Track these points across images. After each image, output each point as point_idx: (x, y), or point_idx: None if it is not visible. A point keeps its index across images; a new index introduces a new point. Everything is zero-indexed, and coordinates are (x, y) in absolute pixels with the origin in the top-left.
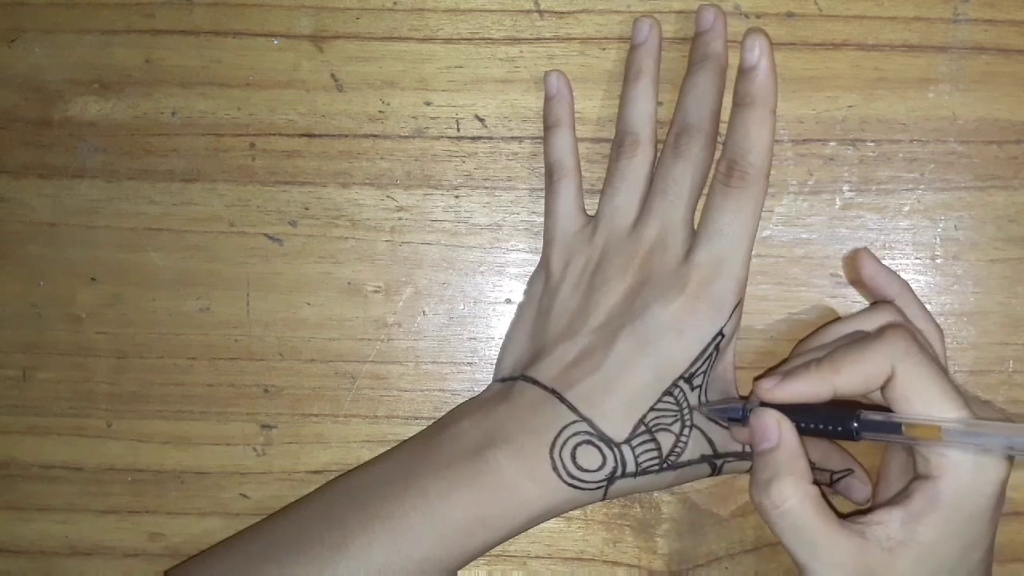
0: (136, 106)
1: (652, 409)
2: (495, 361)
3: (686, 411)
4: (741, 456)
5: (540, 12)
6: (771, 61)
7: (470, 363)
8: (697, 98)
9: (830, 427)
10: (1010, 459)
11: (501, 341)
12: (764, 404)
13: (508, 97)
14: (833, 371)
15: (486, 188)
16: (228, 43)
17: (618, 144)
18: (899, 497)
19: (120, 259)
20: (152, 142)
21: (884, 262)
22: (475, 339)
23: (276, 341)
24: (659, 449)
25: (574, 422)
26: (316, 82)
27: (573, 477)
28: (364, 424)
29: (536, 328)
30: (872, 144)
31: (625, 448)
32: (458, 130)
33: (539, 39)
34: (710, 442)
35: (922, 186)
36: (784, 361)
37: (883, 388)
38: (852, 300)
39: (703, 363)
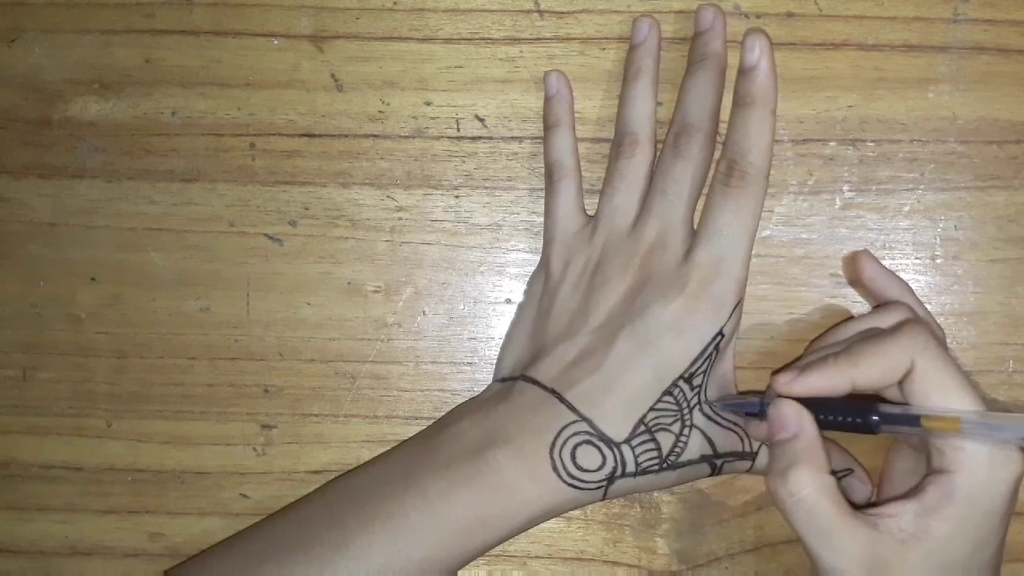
0: (136, 106)
1: (652, 409)
2: (495, 361)
3: (686, 411)
4: (741, 456)
5: (540, 12)
6: (771, 61)
7: (470, 363)
8: (697, 98)
9: (849, 420)
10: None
11: (501, 341)
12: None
13: (508, 97)
14: (852, 364)
15: (486, 188)
16: (228, 43)
17: (617, 144)
18: (913, 490)
19: (120, 259)
20: (152, 142)
21: (884, 262)
22: (475, 339)
23: (276, 341)
24: (659, 449)
25: (574, 422)
26: (316, 82)
27: (573, 477)
28: (364, 424)
29: (536, 328)
30: (872, 144)
31: (625, 448)
32: (458, 130)
33: (539, 39)
34: (710, 442)
35: (922, 186)
36: (798, 358)
37: (901, 382)
38: (852, 300)
39: (703, 363)
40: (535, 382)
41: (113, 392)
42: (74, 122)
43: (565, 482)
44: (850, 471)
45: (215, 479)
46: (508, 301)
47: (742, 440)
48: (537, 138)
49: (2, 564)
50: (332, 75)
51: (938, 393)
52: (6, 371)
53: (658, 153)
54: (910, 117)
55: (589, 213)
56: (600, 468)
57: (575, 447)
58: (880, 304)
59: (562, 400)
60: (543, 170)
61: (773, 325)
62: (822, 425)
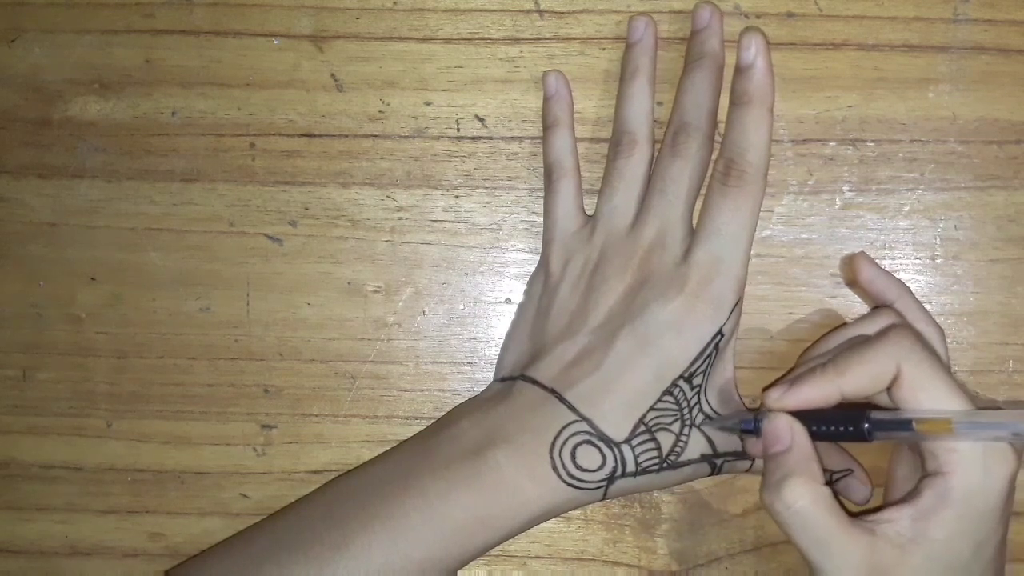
0: (136, 106)
1: (652, 409)
2: (495, 361)
3: (686, 411)
4: (740, 455)
5: (540, 12)
6: (768, 59)
7: (470, 363)
8: (694, 97)
9: (842, 429)
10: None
11: (501, 341)
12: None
13: (508, 97)
14: (839, 374)
15: (486, 188)
16: (228, 43)
17: (615, 143)
18: (909, 495)
19: (120, 259)
20: (152, 142)
21: (884, 262)
22: (475, 339)
23: (276, 341)
24: (659, 449)
25: (574, 422)
26: (316, 82)
27: (573, 477)
28: (364, 424)
29: (536, 328)
30: (872, 144)
31: (625, 448)
32: (458, 130)
33: (539, 39)
34: (710, 441)
35: (922, 186)
36: (790, 370)
37: (889, 388)
38: (852, 300)
39: (703, 362)
40: (535, 382)
41: (113, 392)
42: (74, 122)
43: (565, 482)
44: (849, 471)
45: (215, 479)
46: (508, 301)
47: (742, 439)
48: (537, 138)
49: (2, 564)
50: (332, 75)
51: (926, 396)
52: (6, 371)
53: (656, 152)
54: (910, 117)
55: (589, 212)
56: (600, 468)
57: (575, 447)
58: (871, 309)
59: (562, 400)
60: (543, 170)
61: (773, 325)
62: (816, 436)
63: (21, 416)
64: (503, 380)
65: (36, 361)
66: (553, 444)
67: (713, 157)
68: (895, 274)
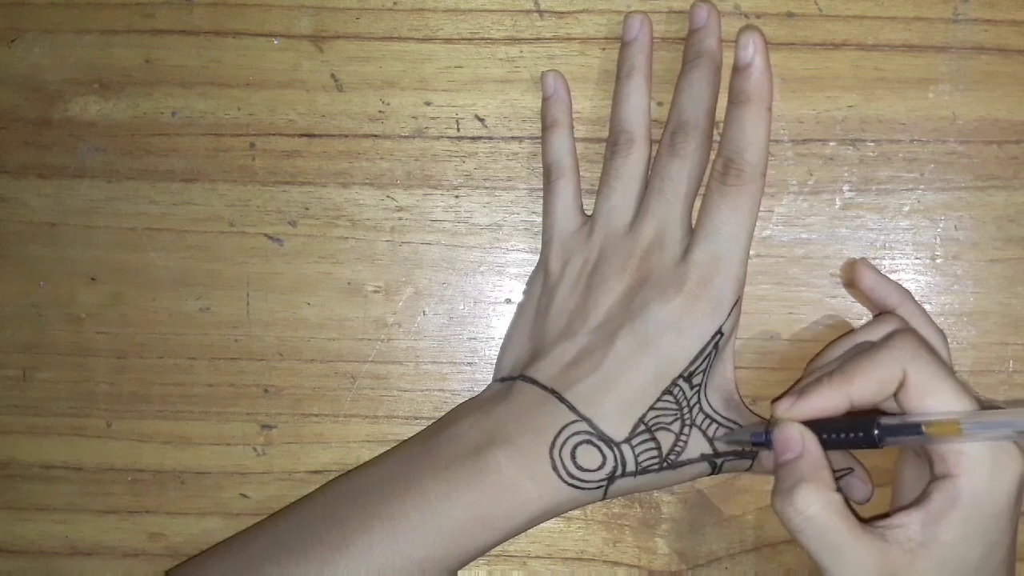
0: (136, 106)
1: (652, 408)
2: (495, 361)
3: (685, 410)
4: (741, 455)
5: (540, 12)
6: (766, 58)
7: (470, 363)
8: (692, 96)
9: (852, 436)
10: None
11: (501, 341)
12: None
13: (508, 97)
14: (846, 382)
15: (486, 188)
16: (228, 43)
17: (612, 143)
18: (918, 500)
19: (120, 259)
20: (152, 142)
21: (884, 262)
22: (475, 339)
23: (276, 341)
24: (659, 448)
25: (574, 422)
26: (316, 82)
27: (573, 477)
28: (364, 424)
29: (535, 328)
30: (872, 144)
31: (625, 447)
32: (458, 130)
33: (539, 39)
34: (710, 441)
35: (922, 186)
36: (797, 381)
37: (896, 394)
38: (852, 300)
39: (702, 362)
40: (534, 382)
41: (113, 392)
42: (74, 122)
43: (565, 482)
44: (850, 470)
45: (215, 479)
46: (508, 301)
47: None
48: (537, 138)
49: (2, 564)
50: (332, 75)
51: (932, 399)
52: (6, 371)
53: (655, 152)
54: (910, 117)
55: (589, 212)
56: (600, 468)
57: (575, 447)
58: (874, 316)
59: (562, 400)
60: (541, 170)
61: (773, 325)
62: (826, 445)
63: (21, 416)
64: (503, 380)
65: (36, 361)
66: (553, 444)
67: (712, 156)
68: (895, 275)
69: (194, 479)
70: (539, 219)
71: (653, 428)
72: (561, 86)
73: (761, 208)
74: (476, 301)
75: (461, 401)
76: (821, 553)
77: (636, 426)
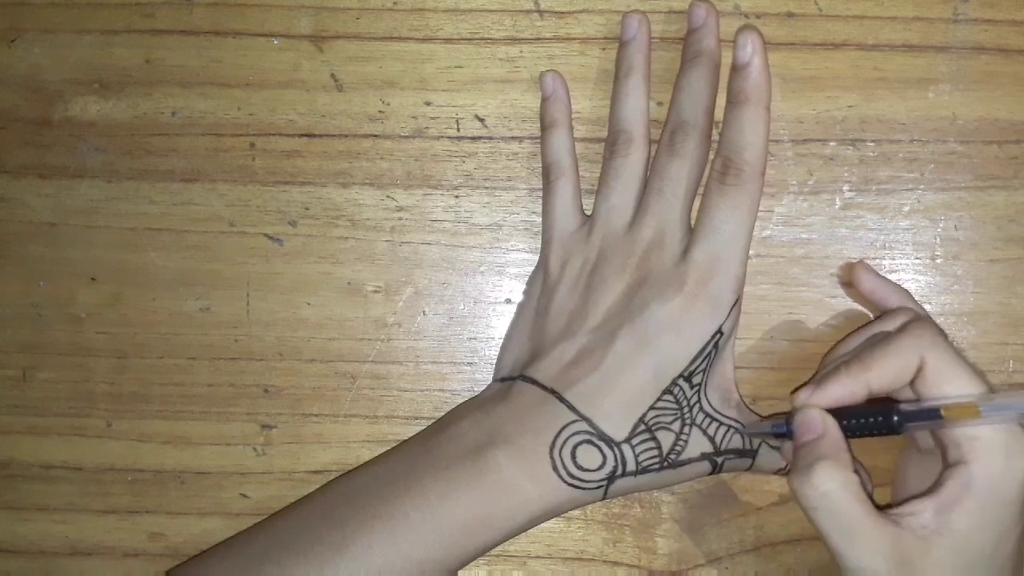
0: (136, 106)
1: (652, 408)
2: (495, 361)
3: (686, 409)
4: (741, 454)
5: (540, 12)
6: (764, 58)
7: (470, 363)
8: (691, 95)
9: (872, 422)
10: None
11: (501, 341)
12: None
13: (508, 97)
14: (865, 369)
15: (486, 188)
16: (228, 43)
17: (611, 143)
18: (932, 487)
19: (120, 259)
20: (152, 142)
21: (884, 262)
22: (475, 339)
23: (276, 341)
24: (659, 448)
25: (574, 421)
26: (316, 82)
27: (573, 477)
28: (364, 424)
29: (535, 328)
30: (872, 144)
31: (625, 447)
32: (458, 130)
33: (539, 39)
34: (711, 440)
35: (922, 186)
36: (815, 373)
37: (913, 382)
38: (852, 300)
39: (702, 361)
40: (534, 382)
41: (113, 392)
42: (74, 122)
43: (565, 482)
44: None
45: (215, 479)
46: (508, 301)
47: (743, 437)
48: (537, 138)
49: (2, 564)
50: (332, 75)
51: (950, 385)
52: (6, 371)
53: (654, 151)
54: (910, 117)
55: (589, 212)
56: (600, 467)
57: (575, 447)
58: (889, 311)
59: (562, 400)
60: (541, 170)
61: (773, 325)
62: (846, 432)
63: (21, 416)
64: (503, 380)
65: (36, 361)
66: (553, 444)
67: (712, 156)
68: (895, 275)
69: (194, 479)
70: (539, 219)
71: (653, 428)
72: (560, 86)
73: (761, 208)
74: (476, 301)
75: (461, 401)
76: (834, 534)
77: (636, 426)
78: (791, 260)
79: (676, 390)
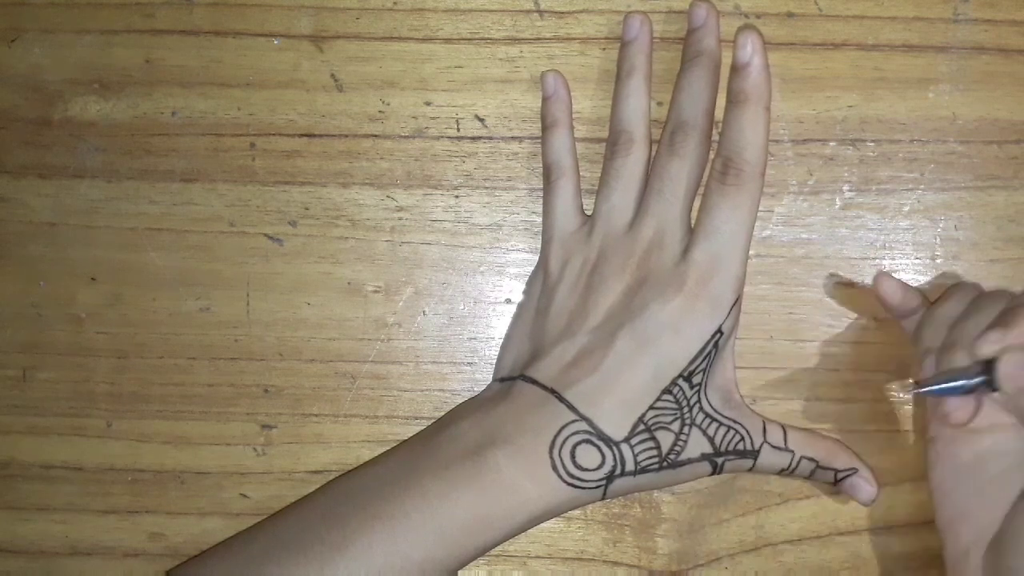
0: (136, 106)
1: (651, 408)
2: (495, 361)
3: (685, 410)
4: (743, 455)
5: (540, 12)
6: (763, 58)
7: (470, 363)
8: (691, 95)
9: None
10: None
11: (501, 341)
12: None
13: (508, 97)
14: None
15: (486, 188)
16: (228, 43)
17: (612, 143)
18: None
19: (120, 259)
20: (152, 142)
21: (884, 262)
22: (475, 339)
23: (276, 341)
24: (658, 448)
25: (573, 421)
26: (316, 82)
27: (573, 476)
28: (364, 424)
29: (535, 328)
30: (872, 144)
31: (624, 447)
32: (458, 130)
33: (539, 39)
34: (710, 440)
35: (922, 186)
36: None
37: None
38: (852, 300)
39: (702, 361)
40: (534, 382)
41: (113, 392)
42: (74, 122)
43: (565, 481)
44: (854, 471)
45: (215, 479)
46: (508, 301)
47: (744, 439)
48: (537, 138)
49: (2, 564)
50: (332, 75)
51: None
52: (6, 371)
53: (655, 151)
54: (910, 117)
55: (589, 212)
56: (600, 467)
57: (574, 446)
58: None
59: (561, 399)
60: (542, 170)
61: (773, 325)
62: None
63: (21, 416)
64: (502, 380)
65: (36, 361)
66: (553, 444)
67: (712, 156)
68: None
69: (194, 479)
70: (539, 219)
71: (653, 428)
72: (561, 86)
73: (761, 208)
74: (476, 301)
75: (461, 401)
76: None
77: (636, 425)
78: (791, 260)
79: (676, 390)
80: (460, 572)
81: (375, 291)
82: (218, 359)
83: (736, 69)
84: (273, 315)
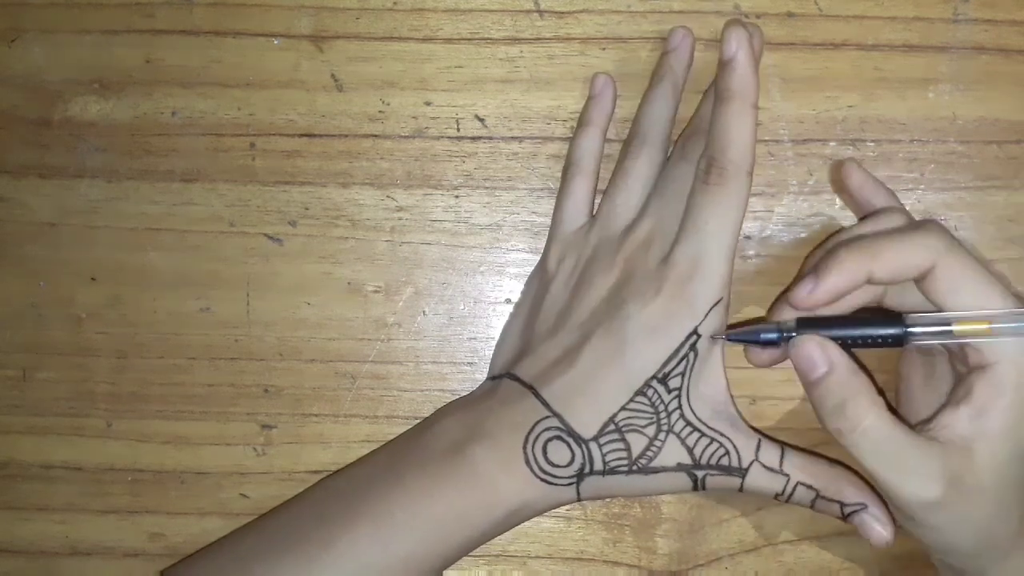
0: (136, 106)
1: (623, 409)
2: None
3: (663, 415)
4: (728, 471)
5: (540, 12)
6: (749, 53)
7: (470, 363)
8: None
9: (878, 334)
10: None
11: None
12: (801, 321)
13: (508, 97)
14: (871, 257)
15: (486, 188)
16: (228, 43)
17: (627, 144)
18: (958, 395)
19: (120, 259)
20: (152, 142)
21: None
22: (475, 339)
23: (276, 341)
24: (628, 450)
25: (546, 417)
26: (316, 82)
27: (544, 472)
28: (364, 424)
29: (527, 325)
30: (872, 144)
31: (592, 445)
32: (458, 130)
33: (539, 39)
34: (689, 450)
35: (922, 186)
36: (798, 274)
37: (921, 282)
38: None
39: (678, 364)
40: (517, 379)
41: (113, 392)
42: (74, 122)
43: (537, 476)
44: (863, 506)
45: (215, 479)
46: (508, 301)
47: (728, 454)
48: (537, 138)
49: (2, 564)
50: (332, 75)
51: (966, 291)
52: (6, 371)
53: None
54: (910, 117)
55: None
56: (569, 464)
57: (546, 442)
58: (871, 212)
59: (537, 396)
60: (543, 170)
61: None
62: (847, 342)
63: (21, 416)
64: (493, 378)
65: (36, 361)
66: (527, 439)
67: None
68: None
69: (194, 479)
70: (539, 219)
71: (624, 429)
72: (608, 90)
73: (761, 208)
74: (476, 301)
75: None
76: (883, 467)
77: (606, 425)
78: (791, 260)
79: (651, 392)
80: (460, 572)
81: (375, 291)
82: (218, 359)
83: (721, 65)
84: (273, 315)
